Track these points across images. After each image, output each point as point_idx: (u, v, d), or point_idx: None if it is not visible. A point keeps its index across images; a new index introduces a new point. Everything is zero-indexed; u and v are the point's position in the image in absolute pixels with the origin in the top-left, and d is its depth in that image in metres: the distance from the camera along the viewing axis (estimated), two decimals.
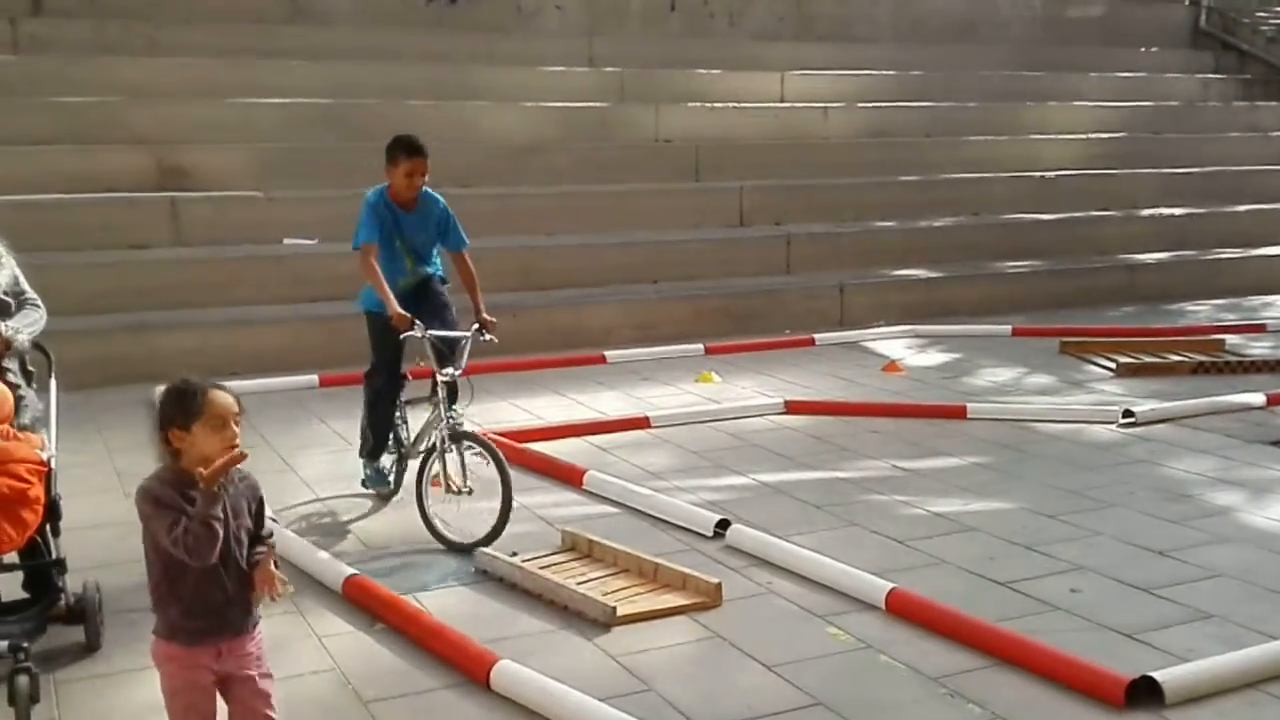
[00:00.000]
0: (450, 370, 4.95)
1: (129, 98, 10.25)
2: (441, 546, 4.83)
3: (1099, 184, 13.32)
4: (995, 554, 4.72)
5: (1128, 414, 6.82)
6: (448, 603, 4.27)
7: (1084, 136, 14.22)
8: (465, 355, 5.00)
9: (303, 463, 6.05)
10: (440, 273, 5.46)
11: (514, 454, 6.03)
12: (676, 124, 12.15)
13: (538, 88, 12.08)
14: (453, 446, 4.83)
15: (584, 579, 4.29)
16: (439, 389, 4.93)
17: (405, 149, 5.10)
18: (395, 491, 5.45)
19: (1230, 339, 9.17)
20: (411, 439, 5.42)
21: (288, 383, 7.66)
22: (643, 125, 12.13)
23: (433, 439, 4.98)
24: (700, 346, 8.84)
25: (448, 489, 4.83)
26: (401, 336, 4.94)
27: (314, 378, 7.78)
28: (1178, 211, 13.26)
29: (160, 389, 2.78)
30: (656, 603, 4.04)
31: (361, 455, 5.47)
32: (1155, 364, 8.34)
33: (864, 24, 15.15)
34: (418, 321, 4.89)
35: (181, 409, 2.63)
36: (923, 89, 14.05)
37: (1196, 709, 3.47)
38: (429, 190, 5.28)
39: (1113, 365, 8.32)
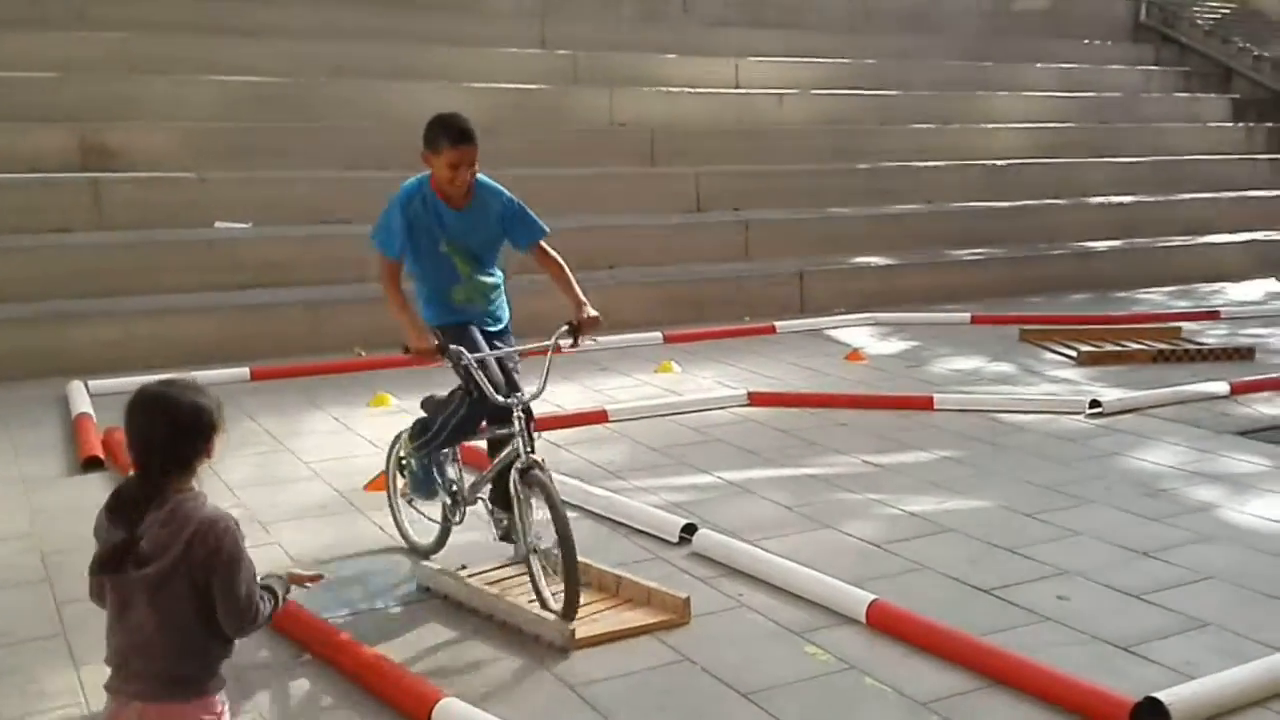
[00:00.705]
0: (520, 395, 3.81)
1: (57, 73, 9.58)
2: (388, 560, 4.33)
3: (1048, 173, 13.15)
4: (976, 557, 4.35)
5: (1094, 404, 6.52)
6: (385, 627, 3.77)
7: (1032, 126, 14.04)
8: (547, 370, 3.83)
9: (228, 465, 5.37)
10: (503, 283, 4.25)
11: (462, 454, 5.56)
12: (631, 108, 11.71)
13: (489, 69, 11.56)
14: (527, 492, 3.71)
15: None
16: (517, 419, 3.75)
17: (449, 133, 3.83)
18: (435, 548, 4.26)
19: (1186, 326, 8.96)
20: (466, 481, 4.26)
21: (217, 376, 7.01)
22: (597, 109, 11.67)
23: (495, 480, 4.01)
24: (659, 335, 8.41)
25: (526, 545, 3.76)
26: (459, 358, 3.75)
27: (245, 370, 7.23)
28: (1126, 200, 13.12)
29: (170, 402, 2.30)
30: (619, 622, 3.59)
31: (413, 439, 4.19)
32: (1116, 352, 8.07)
33: (816, 12, 14.82)
34: (453, 348, 3.73)
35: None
36: (875, 78, 13.76)
37: None
38: (486, 180, 4.06)
39: (1073, 353, 8.04)
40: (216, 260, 8.38)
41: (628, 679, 3.39)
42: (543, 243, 4.12)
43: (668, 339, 8.38)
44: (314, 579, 2.46)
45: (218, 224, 8.80)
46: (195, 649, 2.22)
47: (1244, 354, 8.07)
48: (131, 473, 2.24)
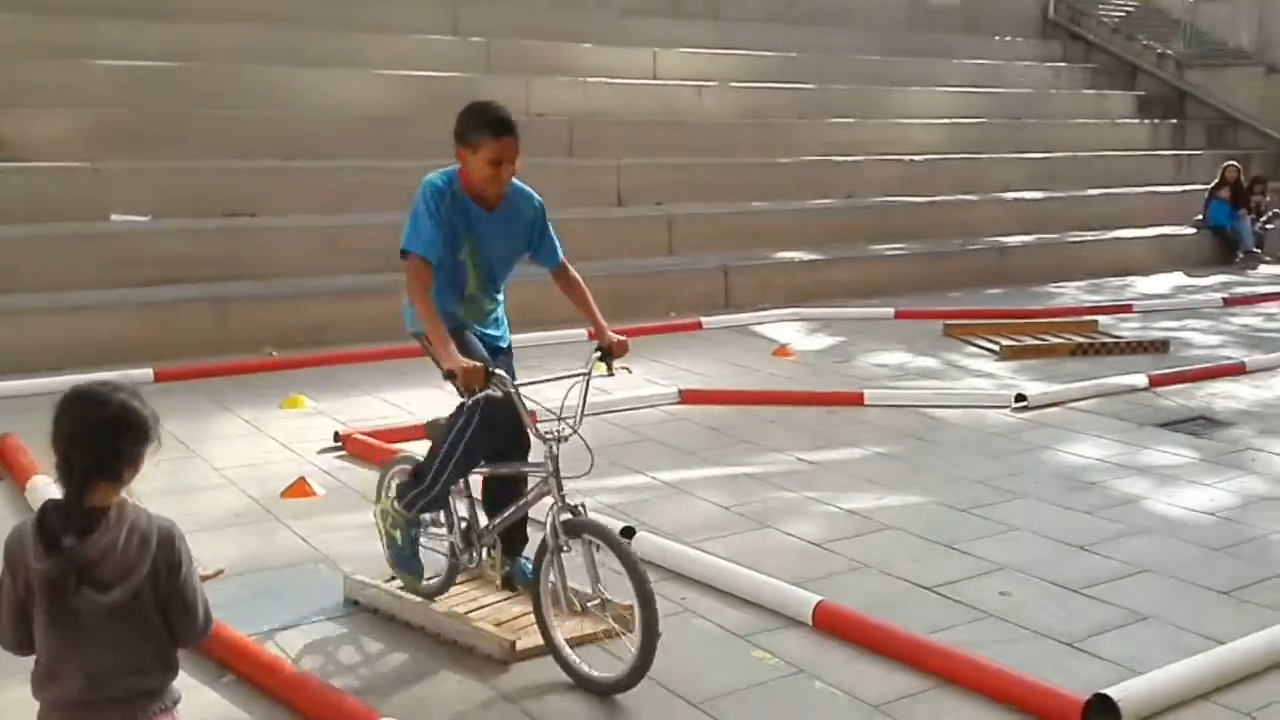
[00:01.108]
0: (558, 428, 3.36)
1: None
2: (312, 572, 4.16)
3: (963, 168, 13.40)
4: (917, 555, 4.36)
5: (1020, 398, 6.63)
6: (312, 644, 3.61)
7: (947, 122, 14.29)
8: (584, 399, 3.38)
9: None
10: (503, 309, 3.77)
11: (387, 457, 5.39)
12: (548, 98, 11.56)
13: (399, 56, 11.32)
14: (569, 543, 3.28)
15: (476, 606, 3.71)
16: (550, 459, 3.36)
17: (490, 125, 3.36)
18: (441, 589, 3.75)
19: (1102, 320, 9.19)
20: (481, 519, 3.72)
21: (118, 378, 6.71)
22: (512, 98, 11.36)
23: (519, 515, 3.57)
24: (584, 333, 8.28)
25: (568, 607, 3.33)
26: (473, 399, 3.27)
27: (149, 372, 6.92)
28: (1038, 195, 13.44)
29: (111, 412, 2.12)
30: (562, 632, 3.48)
31: (398, 499, 3.62)
32: (1037, 346, 8.23)
33: (735, 3, 14.86)
34: (497, 372, 3.27)
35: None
36: (794, 71, 13.84)
37: None
38: (519, 183, 3.58)
39: (996, 347, 8.18)
40: (114, 255, 8.02)
41: (572, 691, 3.30)
42: (565, 260, 3.68)
43: (591, 336, 8.25)
44: (215, 574, 2.35)
45: (114, 217, 8.43)
46: (168, 662, 2.15)
47: (1159, 347, 8.30)
48: (62, 490, 2.08)
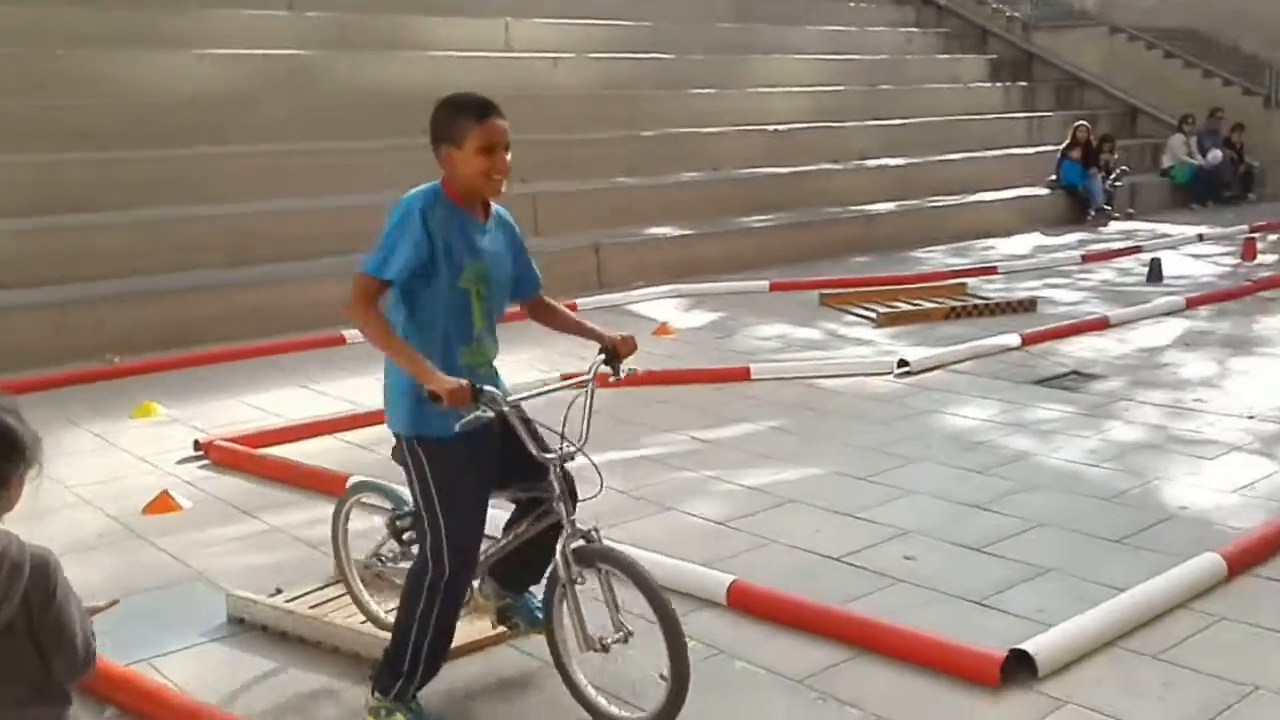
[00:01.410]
0: (562, 449, 2.99)
1: None
2: (188, 591, 3.97)
3: (825, 136, 13.67)
4: (820, 526, 4.44)
5: (902, 364, 6.83)
6: (197, 668, 3.45)
7: (806, 90, 14.55)
8: (589, 410, 3.01)
9: None
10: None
11: (255, 464, 5.21)
12: (392, 74, 11.31)
13: (232, 34, 10.88)
14: (583, 574, 2.98)
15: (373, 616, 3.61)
16: (554, 482, 3.02)
17: (471, 108, 2.92)
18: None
19: (970, 282, 9.53)
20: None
21: None
22: (354, 75, 11.20)
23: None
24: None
25: (585, 644, 2.98)
26: (461, 424, 2.78)
27: None
28: (899, 162, 13.82)
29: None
30: (469, 633, 3.41)
31: (385, 696, 3.03)
32: (912, 311, 8.48)
33: None
34: (486, 389, 2.82)
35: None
36: (651, 40, 13.86)
37: (1068, 678, 3.28)
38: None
39: (873, 315, 8.39)
40: None
41: (485, 691, 3.24)
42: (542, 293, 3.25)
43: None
44: (109, 606, 2.21)
45: None
46: (52, 695, 2.02)
47: (1027, 306, 8.67)
48: None
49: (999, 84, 17.20)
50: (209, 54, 10.42)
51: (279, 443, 5.53)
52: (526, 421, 2.99)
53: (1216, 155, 15.44)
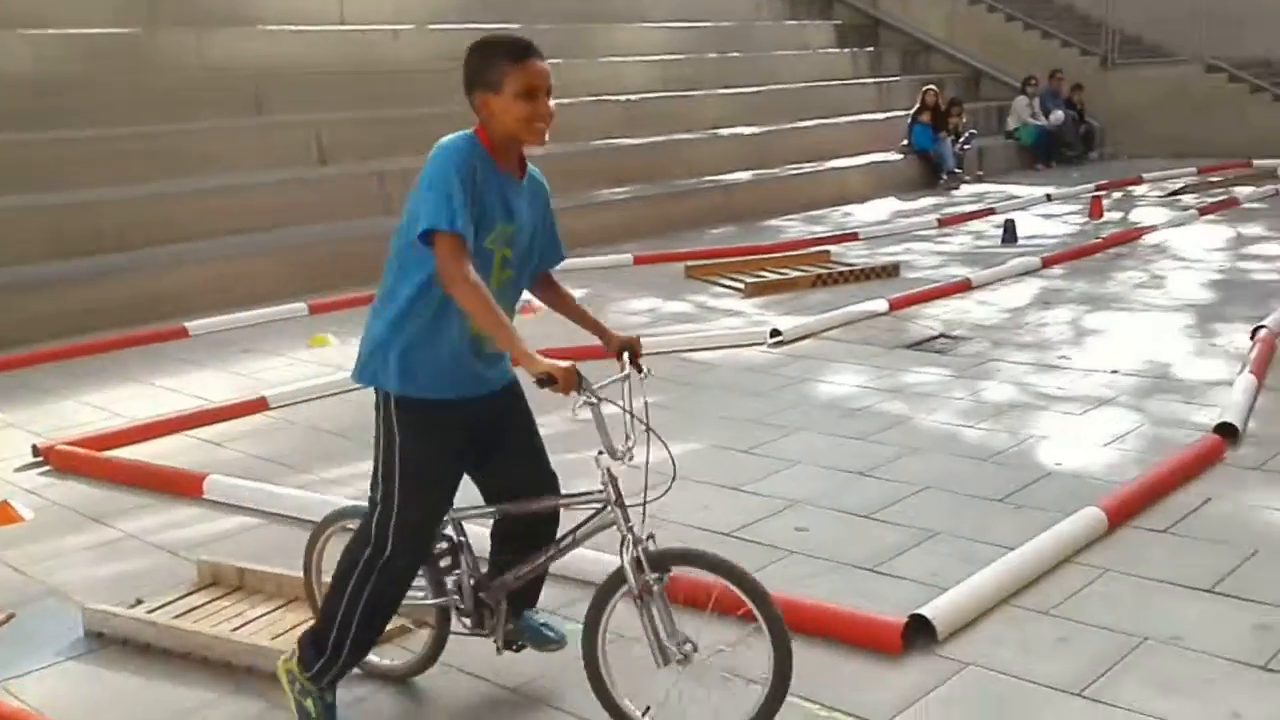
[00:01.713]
0: (627, 444, 2.82)
1: None
2: (38, 608, 3.70)
3: (679, 106, 13.74)
4: (708, 502, 4.45)
5: (775, 333, 6.91)
6: (57, 689, 3.24)
7: (657, 58, 14.57)
8: (631, 401, 2.87)
9: None
10: None
11: (100, 468, 4.93)
12: (225, 51, 10.88)
13: (44, 11, 10.22)
14: (654, 581, 2.81)
15: (243, 621, 3.45)
16: (609, 485, 2.86)
17: (509, 50, 2.72)
18: (414, 671, 3.20)
19: (833, 249, 9.72)
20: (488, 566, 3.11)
21: None
22: (184, 52, 10.71)
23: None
24: (303, 306, 7.92)
25: (664, 658, 2.80)
26: (579, 405, 2.72)
27: None
28: (754, 130, 13.99)
29: None
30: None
31: (305, 669, 2.89)
32: (779, 280, 8.60)
33: None
34: (584, 377, 2.71)
35: None
36: (492, 9, 13.60)
37: (966, 639, 3.37)
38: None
39: (741, 285, 8.47)
40: None
41: (372, 699, 3.13)
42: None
43: (314, 309, 7.90)
44: (4, 620, 2.04)
45: None
46: None
47: (890, 271, 8.89)
48: None
49: (847, 50, 17.58)
50: (24, 34, 9.79)
51: (125, 444, 5.26)
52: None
53: (1059, 116, 16.14)
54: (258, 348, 7.08)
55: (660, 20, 15.52)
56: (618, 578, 2.84)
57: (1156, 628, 3.36)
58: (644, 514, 2.81)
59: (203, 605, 3.60)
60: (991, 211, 12.01)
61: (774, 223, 11.79)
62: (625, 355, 2.96)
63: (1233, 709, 2.95)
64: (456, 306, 2.67)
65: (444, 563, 3.04)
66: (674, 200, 11.64)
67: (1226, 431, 4.89)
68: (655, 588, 2.79)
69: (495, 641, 3.07)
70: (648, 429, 2.79)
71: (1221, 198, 12.20)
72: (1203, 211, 11.37)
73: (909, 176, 14.41)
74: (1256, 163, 14.65)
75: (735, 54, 15.60)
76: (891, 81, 16.96)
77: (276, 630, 3.40)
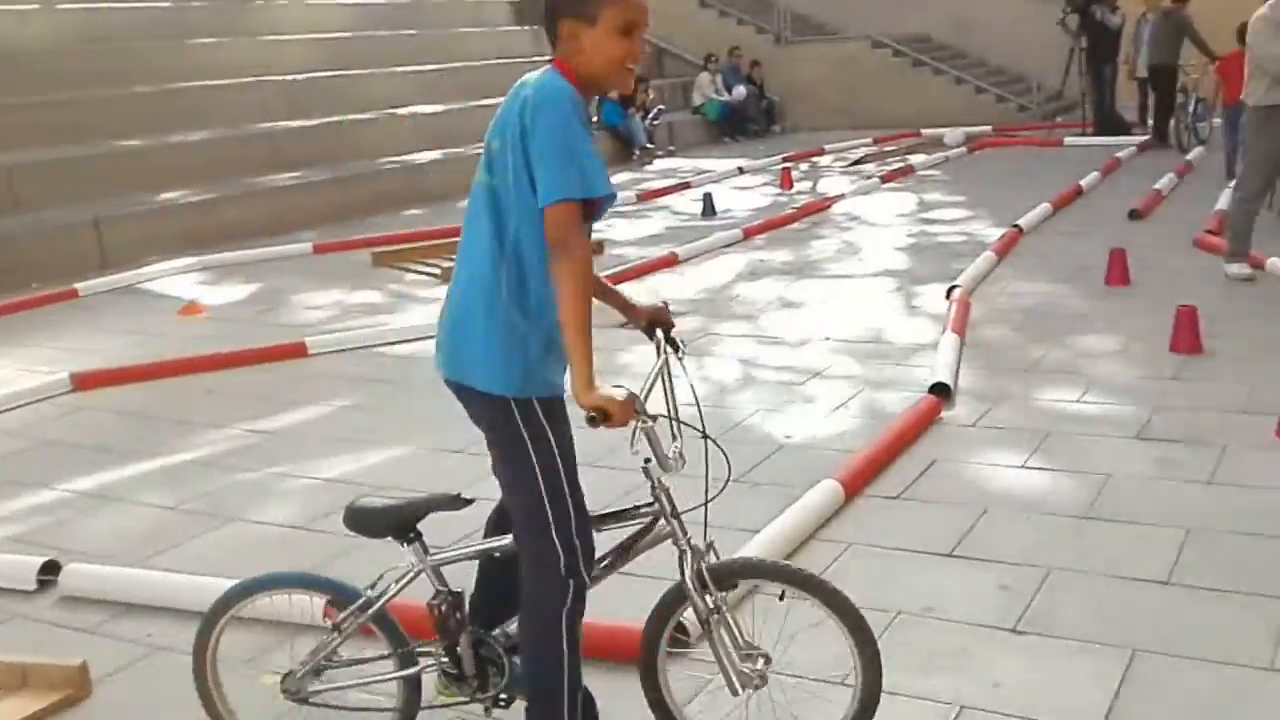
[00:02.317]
0: (676, 448, 2.54)
1: None
2: None
3: (349, 85, 13.18)
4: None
5: None
6: None
7: (323, 36, 13.90)
8: (672, 395, 2.61)
9: None
10: None
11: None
12: None
13: None
14: (723, 599, 2.53)
15: None
16: (662, 495, 2.55)
17: None
18: None
19: None
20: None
21: None
22: None
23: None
24: None
25: (742, 682, 2.52)
26: (637, 437, 2.40)
27: None
28: (437, 109, 13.56)
29: None
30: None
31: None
32: None
33: None
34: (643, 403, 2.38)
35: None
36: None
37: None
38: None
39: (437, 271, 8.06)
40: None
41: None
42: None
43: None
44: None
45: None
46: None
47: (595, 248, 8.68)
48: None
49: (526, 27, 17.40)
50: None
51: None
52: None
53: (741, 91, 16.67)
54: None
55: None
56: (676, 599, 2.57)
57: (907, 600, 3.29)
58: (705, 520, 2.56)
59: None
60: (688, 185, 12.15)
61: (461, 204, 11.38)
62: (659, 333, 2.66)
63: (992, 679, 2.89)
64: (545, 295, 2.35)
65: (450, 623, 2.63)
66: (354, 184, 11.09)
67: (940, 391, 4.97)
68: (723, 608, 2.51)
69: (483, 701, 2.63)
70: (704, 436, 2.51)
71: (899, 165, 12.89)
72: (884, 179, 11.95)
73: (603, 153, 14.37)
74: (925, 132, 15.65)
75: (409, 31, 15.07)
76: None
77: None
